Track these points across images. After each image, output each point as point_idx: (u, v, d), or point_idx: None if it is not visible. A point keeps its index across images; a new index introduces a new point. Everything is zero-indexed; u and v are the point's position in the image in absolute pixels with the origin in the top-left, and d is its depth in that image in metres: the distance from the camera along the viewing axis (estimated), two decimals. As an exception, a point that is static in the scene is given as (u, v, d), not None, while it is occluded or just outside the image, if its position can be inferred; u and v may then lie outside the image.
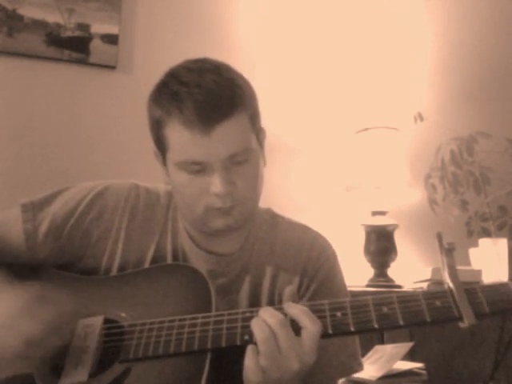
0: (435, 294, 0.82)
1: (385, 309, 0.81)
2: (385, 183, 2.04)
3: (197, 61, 0.98)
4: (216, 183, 0.92)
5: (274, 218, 1.11)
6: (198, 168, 0.93)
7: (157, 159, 1.03)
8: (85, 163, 1.99)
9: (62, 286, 1.04)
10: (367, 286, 2.01)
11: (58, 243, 1.04)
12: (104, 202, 1.05)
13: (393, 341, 1.50)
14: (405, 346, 1.35)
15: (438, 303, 0.80)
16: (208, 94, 0.91)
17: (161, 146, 0.98)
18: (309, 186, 2.22)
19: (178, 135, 0.92)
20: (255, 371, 0.80)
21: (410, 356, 1.44)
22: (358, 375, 1.30)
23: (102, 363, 0.90)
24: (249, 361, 0.81)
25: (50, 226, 1.03)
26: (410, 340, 1.60)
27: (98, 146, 2.02)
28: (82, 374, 0.88)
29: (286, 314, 0.83)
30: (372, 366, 1.34)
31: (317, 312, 0.83)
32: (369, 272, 2.06)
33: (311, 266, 1.06)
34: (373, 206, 2.10)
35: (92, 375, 0.88)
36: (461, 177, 2.08)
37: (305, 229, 1.12)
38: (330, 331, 0.82)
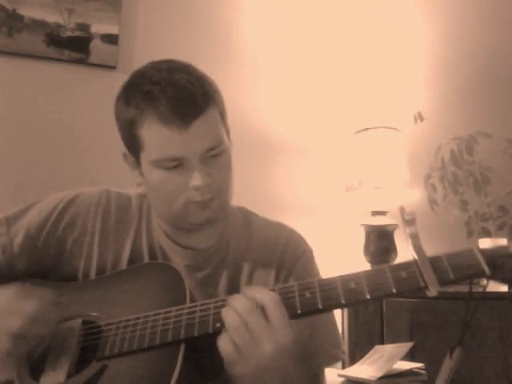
0: (401, 265, 0.83)
1: (352, 284, 0.82)
2: (385, 183, 2.03)
3: (163, 61, 1.01)
4: (196, 177, 0.95)
5: (247, 216, 1.14)
6: (176, 164, 0.95)
7: (125, 161, 1.06)
8: (84, 163, 1.99)
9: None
10: (367, 286, 2.01)
11: (34, 253, 1.06)
12: (75, 208, 1.08)
13: (393, 341, 1.50)
14: (405, 346, 1.35)
15: (403, 274, 0.81)
16: (181, 91, 0.94)
17: (133, 146, 1.00)
18: (309, 186, 2.22)
19: (155, 133, 0.94)
20: (229, 351, 0.79)
21: (410, 356, 1.44)
22: (357, 375, 1.31)
23: (82, 363, 0.92)
24: (221, 342, 0.80)
25: (25, 237, 1.05)
26: (410, 340, 1.60)
27: (98, 145, 2.02)
28: (60, 375, 0.90)
29: (252, 299, 0.82)
30: (372, 365, 1.34)
31: (287, 294, 0.83)
32: (369, 272, 2.06)
33: (287, 260, 1.08)
34: (373, 206, 2.10)
35: (70, 375, 0.90)
36: (461, 177, 2.08)
37: (280, 225, 1.14)
38: (299, 311, 0.82)
